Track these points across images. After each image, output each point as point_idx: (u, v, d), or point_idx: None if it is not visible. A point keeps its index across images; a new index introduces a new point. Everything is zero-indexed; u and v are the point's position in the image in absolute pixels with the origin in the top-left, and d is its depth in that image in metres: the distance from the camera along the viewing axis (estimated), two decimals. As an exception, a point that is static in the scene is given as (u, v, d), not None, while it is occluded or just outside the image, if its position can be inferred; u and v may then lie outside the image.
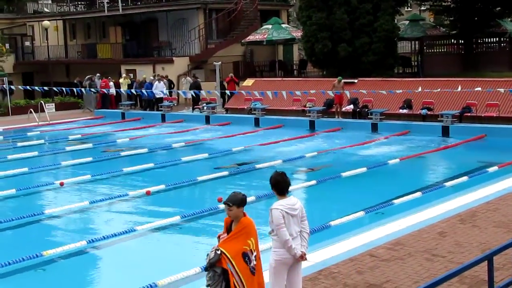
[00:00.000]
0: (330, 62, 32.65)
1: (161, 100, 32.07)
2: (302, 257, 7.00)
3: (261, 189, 15.12)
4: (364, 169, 16.90)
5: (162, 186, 15.37)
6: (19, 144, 24.02)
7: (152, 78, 34.32)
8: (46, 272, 10.13)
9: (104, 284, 9.76)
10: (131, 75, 36.98)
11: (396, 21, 34.84)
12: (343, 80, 27.37)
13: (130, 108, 33.07)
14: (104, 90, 32.67)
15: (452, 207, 12.15)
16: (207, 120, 29.08)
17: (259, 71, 39.85)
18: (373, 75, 30.38)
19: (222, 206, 11.94)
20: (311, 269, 9.04)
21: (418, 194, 13.88)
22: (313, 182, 15.59)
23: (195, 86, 31.96)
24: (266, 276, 7.09)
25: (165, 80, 33.29)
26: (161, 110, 31.28)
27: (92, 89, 33.26)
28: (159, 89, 32.27)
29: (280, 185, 6.97)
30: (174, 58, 38.62)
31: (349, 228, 11.38)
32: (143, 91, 31.44)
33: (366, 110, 26.47)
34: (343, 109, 27.44)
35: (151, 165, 18.47)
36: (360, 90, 26.61)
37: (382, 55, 31.42)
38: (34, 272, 10.04)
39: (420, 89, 25.57)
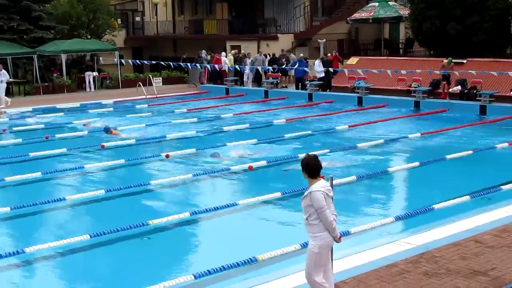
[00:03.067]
0: (438, 42, 31.60)
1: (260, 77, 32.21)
2: (339, 238, 6.93)
3: (362, 168, 14.97)
4: (470, 152, 16.34)
5: (263, 162, 15.48)
6: (128, 116, 24.86)
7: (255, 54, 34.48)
8: (151, 240, 10.46)
9: (205, 255, 9.95)
10: (236, 51, 37.29)
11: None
12: (452, 62, 26.53)
13: (235, 84, 33.42)
14: (215, 66, 33.03)
15: None
16: (310, 97, 28.99)
17: (363, 50, 39.24)
18: (484, 56, 29.17)
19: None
20: (412, 252, 8.88)
21: (528, 180, 13.28)
22: (416, 163, 15.24)
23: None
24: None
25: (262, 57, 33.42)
26: (264, 87, 31.44)
27: (198, 64, 33.86)
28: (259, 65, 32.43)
29: (311, 167, 6.84)
30: (278, 35, 38.67)
31: (453, 213, 11.05)
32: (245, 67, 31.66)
33: (475, 91, 25.54)
34: (451, 90, 26.60)
35: (253, 140, 18.63)
36: (469, 71, 25.70)
37: (494, 35, 30.04)
38: (140, 240, 10.41)
39: (534, 71, 24.36)
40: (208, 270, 8.46)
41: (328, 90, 30.18)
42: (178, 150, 17.48)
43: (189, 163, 16.20)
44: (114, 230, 10.35)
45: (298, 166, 7.08)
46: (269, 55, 34.76)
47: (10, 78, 29.12)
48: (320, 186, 6.77)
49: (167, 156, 16.55)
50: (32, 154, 17.04)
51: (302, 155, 14.64)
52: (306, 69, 30.03)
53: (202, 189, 14.11)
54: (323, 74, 30.16)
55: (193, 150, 17.40)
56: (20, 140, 19.49)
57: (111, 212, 12.41)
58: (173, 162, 16.37)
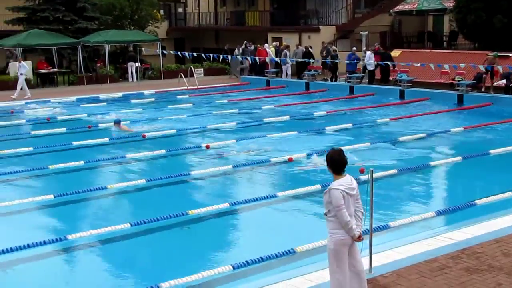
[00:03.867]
0: (483, 34, 30.99)
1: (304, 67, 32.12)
2: (359, 238, 6.71)
3: (403, 162, 14.82)
4: (515, 148, 16.05)
5: (303, 154, 15.43)
6: (169, 106, 25.04)
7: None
8: (190, 230, 10.54)
9: (243, 246, 9.98)
10: (277, 42, 37.19)
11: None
12: (498, 55, 26.05)
13: (276, 76, 33.38)
14: (256, 58, 33.04)
15: None
16: (351, 90, 28.79)
17: (406, 42, 38.78)
18: (531, 49, 28.52)
19: (364, 177, 11.82)
20: (452, 247, 8.76)
21: None
22: (459, 158, 15.02)
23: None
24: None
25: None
26: (305, 79, 31.34)
27: (239, 56, 33.90)
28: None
29: (336, 163, 6.64)
30: (320, 27, 38.42)
31: (495, 209, 10.86)
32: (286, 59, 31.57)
33: (521, 85, 25.03)
34: (495, 84, 26.10)
35: (293, 133, 18.60)
36: (515, 65, 25.18)
37: (541, 28, 29.37)
38: (179, 229, 10.49)
39: None
40: (246, 261, 8.48)
41: (384, 83, 29.74)
42: (219, 141, 17.54)
43: (229, 154, 16.23)
44: (154, 219, 10.46)
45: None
46: (310, 48, 34.60)
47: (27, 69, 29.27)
48: (340, 183, 6.58)
49: (207, 146, 16.64)
50: (75, 143, 17.32)
51: (342, 148, 14.57)
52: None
53: (242, 180, 14.13)
54: (373, 67, 29.77)
55: (233, 141, 17.45)
56: (64, 129, 19.81)
57: (151, 201, 12.53)
58: (213, 152, 16.42)
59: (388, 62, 28.89)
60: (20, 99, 27.13)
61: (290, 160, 14.83)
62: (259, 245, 9.70)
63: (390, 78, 29.59)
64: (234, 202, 11.63)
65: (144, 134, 18.47)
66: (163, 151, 16.24)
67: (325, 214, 6.67)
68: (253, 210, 11.59)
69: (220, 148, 16.70)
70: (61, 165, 14.62)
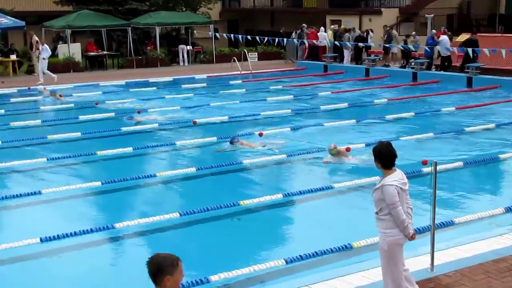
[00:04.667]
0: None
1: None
2: (413, 236, 6.58)
3: (469, 154, 14.54)
4: None
5: (362, 145, 15.27)
6: (221, 92, 25.19)
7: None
8: (241, 221, 10.59)
9: (297, 239, 9.95)
10: (336, 25, 36.88)
11: None
12: None
13: (334, 60, 33.16)
14: (306, 41, 32.96)
15: None
16: (415, 76, 28.36)
17: (475, 26, 37.89)
18: None
19: (427, 169, 11.63)
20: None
21: None
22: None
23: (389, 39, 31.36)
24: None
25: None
26: (365, 64, 31.04)
27: (295, 40, 33.77)
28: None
29: (385, 157, 6.50)
30: (382, 9, 37.92)
31: None
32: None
33: None
34: None
35: (352, 121, 18.47)
36: None
37: None
38: (230, 221, 10.55)
39: None
40: (300, 256, 8.47)
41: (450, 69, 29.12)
42: (273, 129, 17.58)
43: (283, 143, 16.20)
44: (204, 209, 10.54)
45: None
46: (371, 31, 34.22)
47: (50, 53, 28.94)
48: (394, 179, 6.46)
49: (260, 134, 16.62)
50: (124, 129, 17.59)
51: (404, 138, 14.35)
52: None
53: (297, 171, 14.09)
54: (449, 53, 29.13)
55: (288, 129, 17.43)
56: (112, 114, 20.12)
57: (201, 191, 12.65)
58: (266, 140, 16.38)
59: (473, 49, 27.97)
60: (49, 83, 26.96)
61: (347, 150, 14.70)
62: (313, 239, 9.66)
63: (457, 64, 28.98)
64: (288, 193, 11.63)
65: (195, 120, 18.61)
66: (214, 138, 16.35)
67: (376, 213, 6.57)
68: (308, 202, 11.56)
69: (273, 137, 16.68)
70: (109, 151, 14.86)
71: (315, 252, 8.58)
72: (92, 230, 9.73)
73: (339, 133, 17.07)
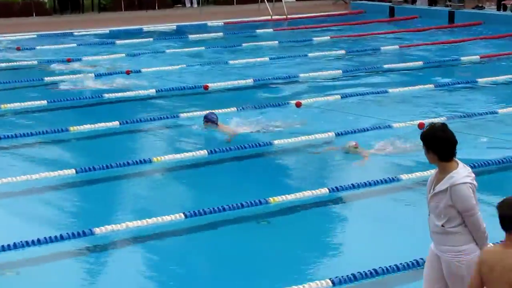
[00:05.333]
0: None
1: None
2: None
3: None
4: None
5: (443, 118, 15.16)
6: (244, 45, 25.15)
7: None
8: (271, 225, 10.73)
9: (347, 250, 9.94)
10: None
11: None
12: None
13: (403, 1, 32.94)
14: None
15: None
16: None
17: None
18: None
19: None
20: None
21: None
22: None
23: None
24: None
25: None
26: (448, 6, 30.79)
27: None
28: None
29: (444, 144, 6.44)
30: None
31: None
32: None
33: None
34: None
35: (428, 86, 18.50)
36: None
37: None
38: (255, 224, 10.70)
39: None
40: (352, 275, 8.50)
41: None
42: (315, 97, 17.61)
43: (327, 117, 16.31)
44: (218, 209, 10.60)
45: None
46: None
47: None
48: (464, 174, 6.44)
49: (298, 104, 16.52)
50: (107, 96, 17.73)
51: (503, 110, 14.19)
52: None
53: (349, 156, 13.99)
54: None
55: (337, 97, 17.48)
56: (91, 75, 20.13)
57: (214, 183, 12.71)
58: (305, 114, 16.46)
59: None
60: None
61: (421, 126, 14.59)
62: (371, 251, 9.67)
63: None
64: (336, 188, 11.64)
65: (206, 84, 18.62)
66: (233, 109, 16.43)
67: (442, 226, 6.49)
68: (364, 199, 11.67)
69: (316, 108, 16.67)
70: (87, 127, 14.97)
71: (374, 269, 8.60)
72: (62, 238, 9.74)
73: (408, 103, 17.02)
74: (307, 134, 14.69)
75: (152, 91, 18.39)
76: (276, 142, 14.17)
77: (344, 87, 18.80)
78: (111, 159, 12.91)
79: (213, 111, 15.25)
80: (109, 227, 10.07)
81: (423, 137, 6.55)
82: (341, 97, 17.53)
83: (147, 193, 12.36)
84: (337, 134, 14.64)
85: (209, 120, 14.82)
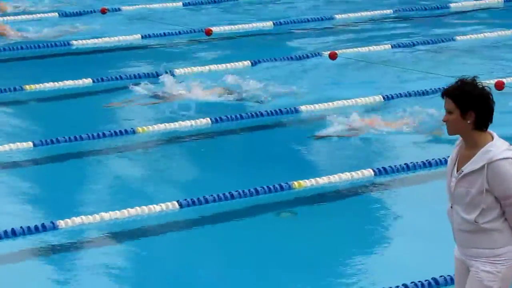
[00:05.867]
0: None
1: None
2: None
3: None
4: None
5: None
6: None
7: None
8: (296, 217, 10.76)
9: (397, 254, 9.90)
10: None
11: None
12: None
13: None
14: None
15: None
16: None
17: None
18: None
19: None
20: None
21: None
22: None
23: None
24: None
25: None
26: None
27: None
28: None
29: (487, 107, 6.28)
30: None
31: None
32: None
33: None
34: None
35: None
36: None
37: None
38: (273, 216, 10.73)
39: None
40: (403, 286, 8.51)
41: None
42: (355, 47, 17.65)
43: (370, 74, 16.39)
44: (223, 196, 10.63)
45: None
46: None
47: None
48: (504, 148, 6.31)
49: (332, 56, 16.50)
50: (76, 44, 17.68)
51: None
52: None
53: (402, 129, 13.97)
54: None
55: (386, 47, 17.44)
56: (55, 15, 20.17)
57: (220, 161, 12.72)
58: (342, 70, 16.55)
59: None
60: None
61: (498, 86, 14.54)
62: (426, 256, 9.67)
63: None
64: (384, 169, 11.71)
65: (209, 28, 18.54)
66: (245, 63, 16.50)
67: (475, 221, 6.40)
68: (421, 183, 11.71)
69: (356, 61, 16.66)
70: (49, 85, 15.06)
71: (434, 278, 8.63)
72: (14, 233, 9.79)
73: (482, 55, 16.99)
74: (344, 97, 14.80)
75: (136, 37, 18.40)
76: (302, 108, 14.24)
77: (395, 35, 18.91)
78: (81, 129, 12.95)
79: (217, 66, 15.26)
80: (77, 220, 10.09)
81: (463, 93, 6.31)
82: (392, 47, 17.62)
83: (128, 174, 12.36)
84: (385, 98, 14.74)
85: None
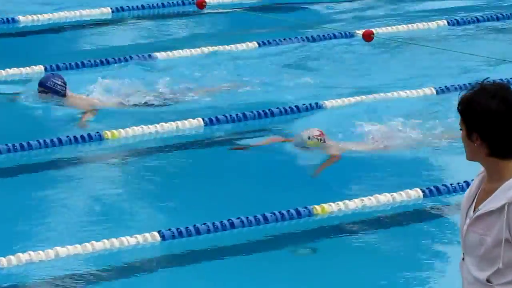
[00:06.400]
0: None
1: None
2: None
3: None
4: None
5: None
6: None
7: None
8: (315, 254, 10.66)
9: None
10: None
11: None
12: None
13: None
14: None
15: None
16: None
17: None
18: None
19: None
20: None
21: None
22: None
23: None
24: None
25: None
26: None
27: None
28: None
29: (500, 128, 6.05)
30: None
31: None
32: None
33: None
34: None
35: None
36: None
37: None
38: (287, 253, 10.59)
39: None
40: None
41: None
42: (396, 24, 17.64)
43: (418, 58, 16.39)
44: (221, 225, 10.62)
45: None
46: None
47: None
48: None
49: (366, 36, 16.58)
50: (22, 19, 17.78)
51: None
52: None
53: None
54: None
55: (436, 24, 17.46)
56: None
57: (219, 175, 12.78)
58: (381, 54, 16.62)
59: None
60: None
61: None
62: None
63: None
64: (436, 188, 11.78)
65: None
66: (252, 45, 16.60)
67: (488, 281, 6.30)
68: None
69: (400, 43, 16.71)
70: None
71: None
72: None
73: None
74: (379, 90, 14.94)
75: (105, 11, 18.39)
76: (327, 103, 14.25)
77: (450, 9, 19.02)
78: (32, 134, 12.94)
79: (218, 47, 15.35)
80: (22, 257, 10.11)
81: (469, 105, 5.73)
82: (448, 24, 17.78)
83: (92, 195, 12.35)
84: (439, 91, 14.92)
85: (47, 88, 14.66)
